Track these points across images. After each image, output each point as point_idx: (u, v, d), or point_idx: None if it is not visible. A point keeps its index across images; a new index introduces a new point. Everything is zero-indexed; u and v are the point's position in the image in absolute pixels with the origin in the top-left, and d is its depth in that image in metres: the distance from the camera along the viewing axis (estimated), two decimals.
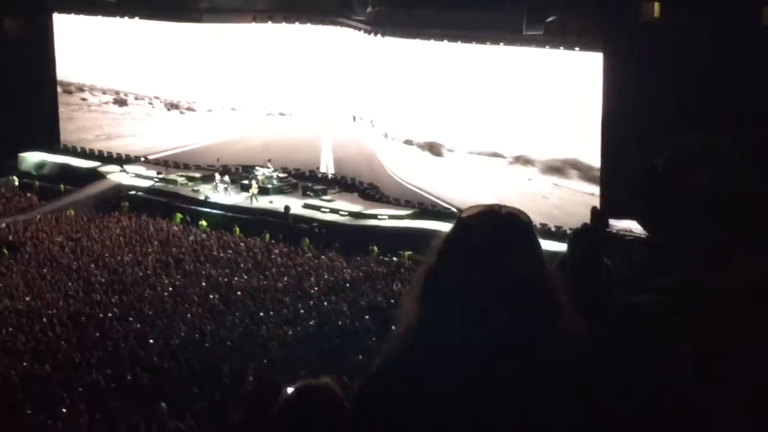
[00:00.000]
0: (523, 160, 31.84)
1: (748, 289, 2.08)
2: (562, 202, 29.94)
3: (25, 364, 21.39)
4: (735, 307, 2.07)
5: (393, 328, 2.43)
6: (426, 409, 2.01)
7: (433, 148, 34.07)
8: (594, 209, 2.48)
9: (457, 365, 1.99)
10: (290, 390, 2.99)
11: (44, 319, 24.52)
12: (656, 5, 32.01)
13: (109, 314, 24.91)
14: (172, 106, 41.03)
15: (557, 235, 24.55)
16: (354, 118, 36.51)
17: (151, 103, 41.17)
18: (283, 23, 37.08)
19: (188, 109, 40.60)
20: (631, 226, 20.31)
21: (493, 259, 2.02)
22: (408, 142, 34.95)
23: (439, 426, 2.00)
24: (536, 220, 24.64)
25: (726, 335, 2.05)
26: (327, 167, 37.54)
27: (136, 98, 41.42)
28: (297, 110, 38.24)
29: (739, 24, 29.85)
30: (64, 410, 18.98)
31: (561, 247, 2.67)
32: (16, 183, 39.56)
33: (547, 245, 2.27)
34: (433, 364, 2.04)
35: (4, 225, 33.85)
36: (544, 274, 2.09)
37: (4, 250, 31.28)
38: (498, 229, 2.06)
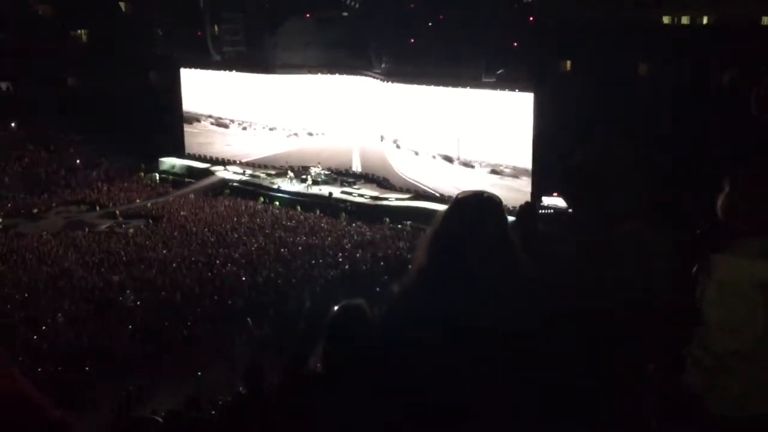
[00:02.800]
0: (484, 164, 35.02)
1: (627, 239, 2.65)
2: (509, 190, 31.13)
3: (163, 293, 23.85)
4: (617, 250, 2.63)
5: (409, 267, 2.63)
6: (431, 317, 2.33)
7: (426, 154, 37.02)
8: (532, 197, 5.10)
9: (453, 289, 2.33)
10: (336, 307, 3.13)
11: (174, 264, 26.86)
12: (568, 63, 36.76)
13: (217, 261, 27.12)
14: (253, 127, 44.34)
15: (511, 211, 27.20)
16: (381, 137, 38.72)
17: (242, 126, 44.58)
18: (327, 74, 40.20)
19: (268, 129, 43.79)
20: (556, 201, 22.02)
21: (477, 223, 2.44)
22: (408, 151, 37.76)
23: (441, 325, 2.32)
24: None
25: (611, 268, 2.60)
26: (356, 167, 40.12)
27: (232, 122, 44.75)
28: (336, 131, 40.62)
29: (620, 74, 33.52)
30: (189, 323, 21.49)
31: (512, 218, 2.84)
32: (158, 178, 42.58)
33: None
34: (437, 289, 2.39)
35: (149, 204, 37.11)
36: (508, 233, 2.50)
37: (150, 220, 34.35)
38: (481, 205, 2.51)
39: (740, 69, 27.36)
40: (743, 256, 2.60)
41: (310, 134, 42.58)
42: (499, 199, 2.60)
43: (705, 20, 37.61)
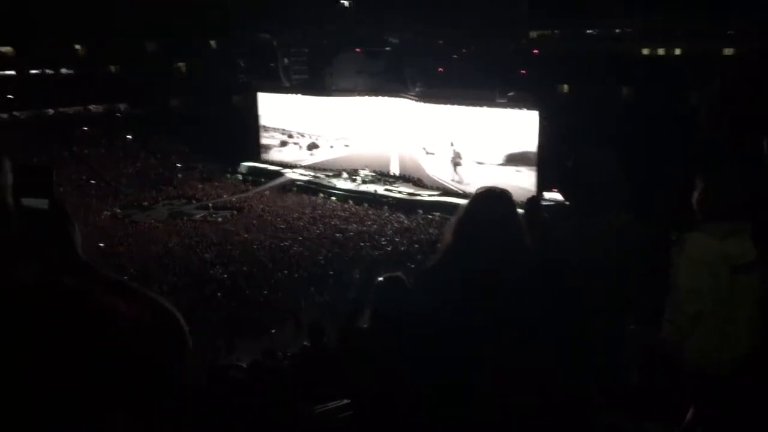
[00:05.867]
0: (497, 165, 34.13)
1: (610, 228, 2.57)
2: (520, 185, 29.50)
3: (244, 268, 23.79)
4: (596, 233, 2.57)
5: (438, 245, 2.59)
6: (455, 284, 2.34)
7: (451, 159, 36.40)
8: (537, 190, 4.83)
9: (472, 262, 2.35)
10: (380, 278, 3.07)
11: (255, 246, 26.83)
12: (566, 86, 36.94)
13: (286, 243, 27.09)
14: (314, 138, 43.98)
15: (519, 202, 26.25)
16: (419, 145, 37.77)
17: (306, 137, 44.29)
18: (372, 97, 40.02)
19: (326, 139, 43.42)
20: (554, 195, 20.17)
21: (491, 212, 2.44)
22: (438, 155, 37.12)
23: (463, 289, 2.32)
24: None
25: (597, 250, 2.54)
26: (394, 169, 39.65)
27: (298, 134, 44.67)
28: (379, 141, 40.01)
29: (607, 95, 33.77)
30: (264, 291, 21.51)
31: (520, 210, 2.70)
32: (240, 178, 42.71)
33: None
34: (460, 262, 2.39)
35: (234, 198, 37.20)
36: (516, 218, 2.47)
37: (235, 211, 34.37)
38: (494, 197, 2.49)
39: (700, 93, 27.05)
40: (711, 235, 2.65)
41: (346, 145, 42.56)
42: (509, 193, 2.59)
43: (678, 51, 37.28)
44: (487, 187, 2.61)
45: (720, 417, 2.63)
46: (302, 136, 44.43)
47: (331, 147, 43.07)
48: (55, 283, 1.09)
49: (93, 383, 1.05)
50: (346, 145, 42.25)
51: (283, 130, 45.14)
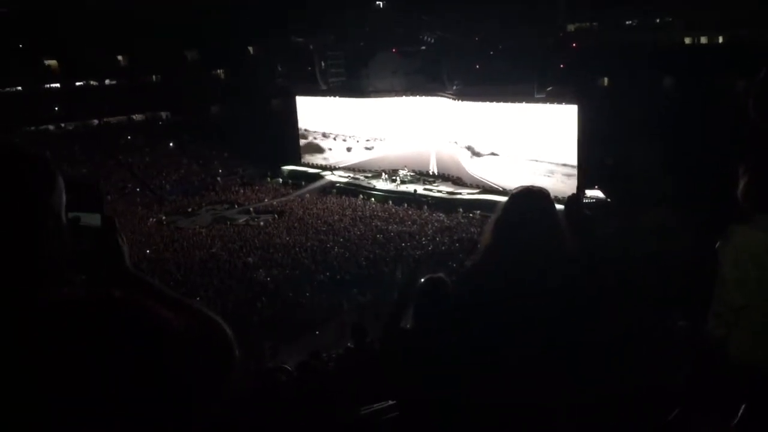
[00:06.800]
0: (535, 161, 33.96)
1: (653, 224, 4.50)
2: (560, 183, 30.27)
3: (287, 270, 24.12)
4: (639, 230, 4.36)
5: (477, 245, 2.58)
6: (496, 283, 2.35)
7: (490, 157, 36.24)
8: (578, 187, 4.68)
9: (512, 262, 2.37)
10: (422, 279, 3.05)
11: (296, 248, 26.94)
12: (606, 80, 36.62)
13: (328, 245, 27.24)
14: (354, 139, 44.00)
15: (559, 200, 26.88)
16: (456, 143, 37.92)
17: (344, 139, 44.58)
18: (410, 96, 40.14)
19: (364, 139, 43.40)
20: (596, 193, 20.52)
21: (529, 211, 2.44)
22: (477, 154, 36.96)
23: (504, 289, 2.32)
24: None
25: (641, 246, 3.46)
26: (433, 168, 39.75)
27: (338, 136, 44.90)
28: (417, 140, 40.07)
29: (648, 87, 32.97)
30: (307, 293, 21.82)
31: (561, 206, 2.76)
32: (281, 181, 42.97)
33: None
34: (500, 262, 2.40)
35: (275, 202, 37.62)
36: (555, 217, 2.46)
37: (276, 215, 34.55)
38: (532, 196, 2.51)
39: (746, 80, 26.41)
40: (758, 228, 2.57)
41: (385, 146, 42.52)
42: (547, 192, 2.57)
43: (720, 39, 36.57)
44: (525, 186, 2.60)
45: None
46: (342, 138, 44.61)
47: (370, 148, 43.09)
48: (106, 296, 1.11)
49: (144, 395, 1.07)
50: (385, 146, 42.23)
51: (323, 132, 45.33)
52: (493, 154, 36.13)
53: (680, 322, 2.85)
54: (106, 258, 1.29)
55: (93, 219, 1.28)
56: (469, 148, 37.43)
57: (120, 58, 49.38)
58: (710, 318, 2.64)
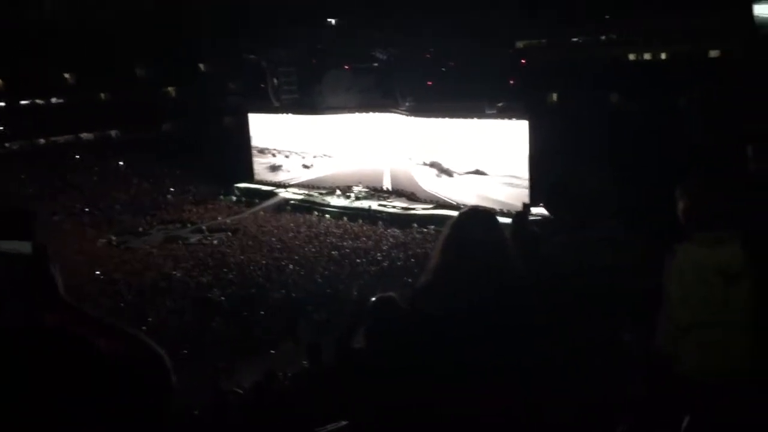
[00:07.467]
0: (487, 176, 34.11)
1: (599, 240, 2.65)
2: (509, 197, 31.05)
3: (242, 289, 23.59)
4: (586, 245, 2.65)
5: (427, 263, 2.59)
6: (445, 303, 2.37)
7: (444, 172, 36.27)
8: (524, 204, 2.99)
9: (459, 282, 2.39)
10: (373, 298, 3.10)
11: (251, 267, 26.58)
12: (554, 95, 36.87)
13: (283, 263, 26.82)
14: (306, 156, 43.72)
15: (507, 213, 23.10)
16: (411, 159, 37.64)
17: (299, 156, 44.16)
18: (363, 113, 40.08)
19: (319, 157, 43.19)
20: (543, 210, 23.68)
21: (476, 231, 2.47)
22: (430, 168, 36.88)
23: (451, 308, 2.35)
24: (493, 206, 26.83)
25: (583, 263, 2.61)
26: (387, 184, 39.53)
27: (291, 153, 44.46)
28: (371, 157, 39.86)
29: (595, 103, 33.16)
30: (262, 312, 21.25)
31: (507, 221, 2.92)
32: (234, 199, 42.62)
33: (503, 219, 2.65)
34: (446, 283, 2.43)
35: (229, 220, 37.16)
36: (500, 237, 2.50)
37: (230, 233, 33.86)
38: (477, 216, 2.55)
39: (687, 98, 27.09)
40: (702, 245, 2.62)
41: (339, 162, 41.98)
42: (492, 213, 2.63)
43: (663, 56, 37.44)
44: (470, 206, 2.65)
45: (713, 427, 2.61)
46: (295, 155, 44.42)
47: (324, 165, 43.07)
48: (39, 326, 1.11)
49: (76, 421, 1.05)
50: (339, 163, 42.16)
51: (276, 149, 45.15)
52: (478, 172, 35.71)
53: (627, 336, 2.88)
54: (39, 287, 1.25)
55: (23, 247, 1.25)
56: (421, 163, 37.33)
57: (67, 75, 48.39)
58: (658, 334, 2.70)
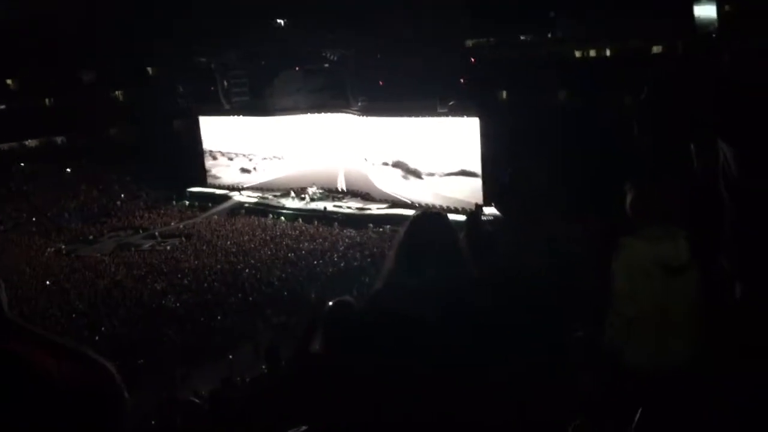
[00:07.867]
0: (441, 174, 34.13)
1: (548, 237, 2.67)
2: (462, 194, 31.15)
3: (197, 295, 23.47)
4: (536, 243, 2.66)
5: (384, 266, 2.61)
6: (399, 306, 2.39)
7: (399, 171, 36.02)
8: (476, 204, 3.02)
9: (413, 284, 2.41)
10: (330, 302, 3.05)
11: (206, 272, 26.41)
12: (504, 93, 37.46)
13: (239, 267, 26.79)
14: (258, 158, 43.43)
15: (461, 211, 23.91)
16: (366, 159, 37.44)
17: (250, 158, 43.79)
18: (314, 114, 39.92)
19: (270, 159, 42.84)
20: (493, 209, 23.44)
21: (429, 234, 2.49)
22: (385, 168, 36.68)
23: (405, 310, 2.36)
24: (448, 203, 28.04)
25: (533, 260, 2.61)
26: (341, 185, 39.43)
27: (242, 156, 44.11)
28: (324, 158, 39.58)
29: (544, 99, 33.91)
30: (219, 317, 21.18)
31: (461, 218, 3.00)
32: (187, 204, 42.05)
33: (457, 218, 2.79)
34: (400, 287, 2.45)
35: (182, 225, 36.89)
36: (453, 237, 2.52)
37: (183, 238, 33.75)
38: (430, 218, 2.57)
39: (633, 95, 27.50)
40: (645, 240, 2.69)
41: (304, 162, 41.64)
42: (444, 213, 2.65)
43: (608, 52, 37.97)
44: (421, 209, 2.70)
45: (664, 418, 2.66)
46: (247, 157, 44.11)
47: (277, 167, 42.79)
48: None
49: None
50: (293, 164, 41.84)
51: (228, 152, 44.76)
52: (400, 169, 35.91)
53: (578, 332, 2.93)
54: None
55: None
56: (375, 163, 37.24)
57: (9, 81, 47.51)
58: (606, 328, 2.74)
